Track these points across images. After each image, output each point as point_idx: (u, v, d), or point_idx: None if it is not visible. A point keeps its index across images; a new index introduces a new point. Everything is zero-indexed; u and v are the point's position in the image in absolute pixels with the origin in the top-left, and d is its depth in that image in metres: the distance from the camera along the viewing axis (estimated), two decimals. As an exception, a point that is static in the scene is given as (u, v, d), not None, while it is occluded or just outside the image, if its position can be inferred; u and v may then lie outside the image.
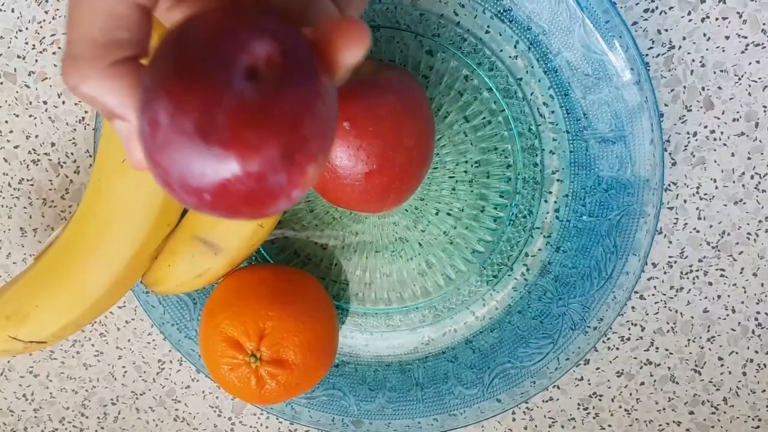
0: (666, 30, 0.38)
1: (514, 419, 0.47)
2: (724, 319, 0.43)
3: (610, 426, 0.46)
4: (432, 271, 0.43)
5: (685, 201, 0.41)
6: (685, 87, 0.39)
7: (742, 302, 0.43)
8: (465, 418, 0.43)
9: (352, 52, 0.20)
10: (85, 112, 0.43)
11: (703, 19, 0.38)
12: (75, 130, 0.43)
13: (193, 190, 0.18)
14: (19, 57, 0.42)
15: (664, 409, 0.45)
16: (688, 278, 0.42)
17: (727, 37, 0.38)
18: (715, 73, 0.39)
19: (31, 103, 0.43)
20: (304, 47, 0.19)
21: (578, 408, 0.46)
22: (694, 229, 0.42)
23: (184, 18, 0.20)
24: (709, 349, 0.44)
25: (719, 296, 0.43)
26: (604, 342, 0.44)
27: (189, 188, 0.18)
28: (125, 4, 0.20)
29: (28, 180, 0.45)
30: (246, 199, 0.18)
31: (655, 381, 0.45)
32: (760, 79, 0.39)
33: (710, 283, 0.42)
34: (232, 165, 0.18)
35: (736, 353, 0.44)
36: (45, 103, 0.43)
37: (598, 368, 0.45)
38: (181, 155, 0.18)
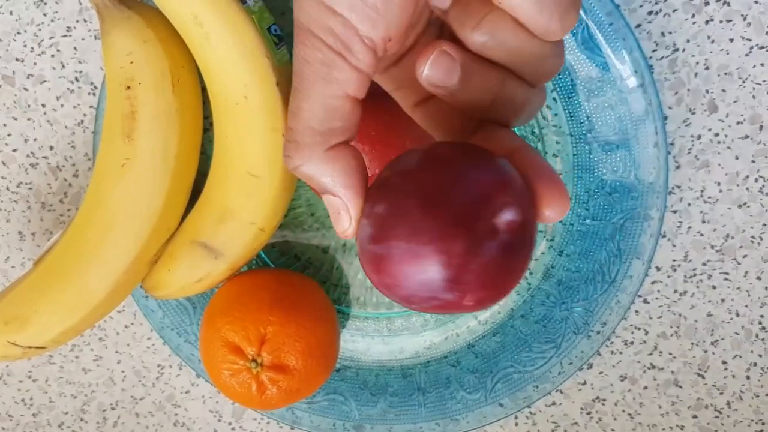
0: (670, 32, 0.38)
1: (516, 424, 0.47)
2: (728, 322, 0.43)
3: (613, 430, 0.46)
4: (434, 275, 0.42)
5: (689, 204, 0.41)
6: (689, 90, 0.39)
7: (746, 306, 0.42)
8: (467, 423, 0.43)
9: (555, 215, 0.23)
10: (84, 115, 0.43)
11: (707, 22, 0.38)
12: (74, 133, 0.43)
13: (410, 300, 0.23)
14: (17, 60, 0.42)
15: (667, 413, 0.45)
16: (691, 282, 0.42)
17: (732, 40, 0.38)
18: (719, 75, 0.38)
19: (29, 106, 0.43)
20: (532, 216, 0.23)
21: (581, 412, 0.46)
22: (698, 232, 0.41)
23: (435, 160, 0.23)
24: (713, 353, 0.44)
25: (723, 300, 0.42)
26: (607, 346, 0.44)
27: (409, 299, 0.23)
28: (340, 97, 0.23)
29: (26, 183, 0.45)
30: (446, 312, 0.24)
31: (658, 385, 0.45)
32: (764, 81, 0.38)
33: (714, 287, 0.42)
34: (460, 304, 0.23)
35: (740, 357, 0.43)
36: (43, 106, 0.43)
37: (601, 372, 0.45)
38: (421, 286, 0.22)
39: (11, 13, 0.41)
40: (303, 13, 0.23)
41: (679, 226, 0.41)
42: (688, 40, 0.38)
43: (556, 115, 0.38)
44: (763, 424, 0.45)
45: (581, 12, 0.35)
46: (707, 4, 0.37)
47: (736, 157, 0.40)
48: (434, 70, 0.23)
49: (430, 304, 0.23)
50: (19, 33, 0.41)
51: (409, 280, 0.22)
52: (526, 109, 0.25)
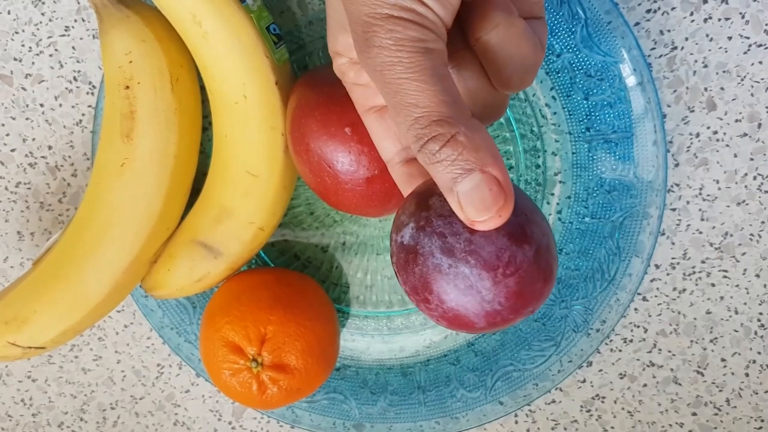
0: (668, 31, 0.38)
1: (516, 422, 0.47)
2: (727, 320, 0.43)
3: (612, 428, 0.46)
4: (433, 274, 0.42)
5: (687, 202, 0.41)
6: (687, 88, 0.39)
7: (745, 303, 0.42)
8: (467, 421, 0.43)
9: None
10: (83, 114, 0.43)
11: (705, 20, 0.38)
12: (72, 132, 0.43)
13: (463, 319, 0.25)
14: (15, 59, 0.42)
15: (666, 410, 0.45)
16: (690, 279, 0.42)
17: (730, 38, 0.38)
18: (717, 73, 0.39)
19: (27, 105, 0.43)
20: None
21: (581, 410, 0.46)
22: (697, 230, 0.41)
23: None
24: (712, 351, 0.44)
25: (722, 297, 0.42)
26: (606, 344, 0.44)
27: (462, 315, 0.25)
28: (444, 65, 0.23)
29: (25, 183, 0.45)
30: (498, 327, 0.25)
31: (657, 383, 0.45)
32: (762, 79, 0.38)
33: (713, 285, 0.42)
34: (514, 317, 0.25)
35: (739, 354, 0.44)
36: (42, 105, 0.43)
37: (600, 370, 0.45)
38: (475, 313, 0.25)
39: (9, 12, 0.41)
40: (365, 6, 0.22)
41: (678, 224, 0.41)
42: (686, 38, 0.38)
43: (555, 113, 0.38)
44: (762, 421, 0.45)
45: (579, 9, 0.36)
46: (705, 2, 0.37)
47: (735, 155, 0.40)
48: None
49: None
50: (17, 32, 0.41)
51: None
52: None
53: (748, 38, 0.38)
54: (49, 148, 0.44)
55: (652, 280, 0.43)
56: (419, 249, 0.24)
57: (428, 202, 0.25)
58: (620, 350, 0.44)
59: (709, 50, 0.38)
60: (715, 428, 0.45)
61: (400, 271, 0.25)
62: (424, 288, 0.25)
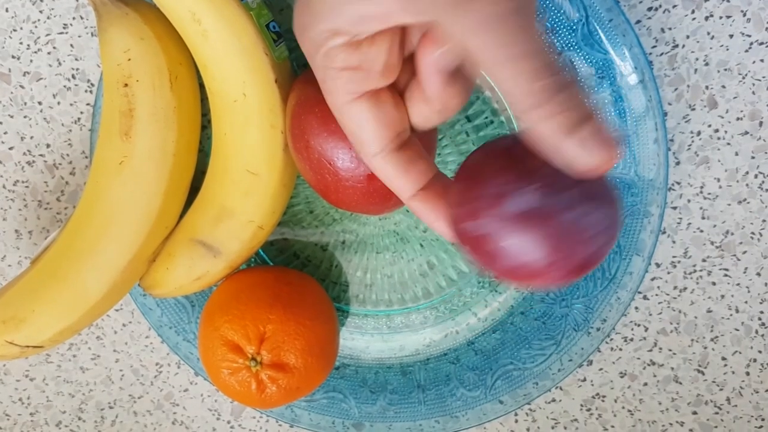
0: (670, 28, 0.38)
1: (516, 421, 0.47)
2: (728, 318, 0.43)
3: (613, 427, 0.46)
4: (433, 272, 0.42)
5: (688, 200, 0.41)
6: (688, 86, 0.39)
7: (746, 302, 0.42)
8: (467, 420, 0.43)
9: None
10: (81, 112, 0.42)
11: (707, 18, 0.38)
12: (70, 131, 0.43)
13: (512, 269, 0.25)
14: (13, 57, 0.41)
15: (667, 409, 0.45)
16: (691, 278, 0.42)
17: (731, 36, 0.38)
18: (718, 71, 0.38)
19: (26, 103, 0.42)
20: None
21: (581, 409, 0.46)
22: (698, 228, 0.41)
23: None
24: (713, 349, 0.44)
25: (723, 296, 0.42)
26: (607, 343, 0.44)
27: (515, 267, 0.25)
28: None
29: (23, 182, 0.44)
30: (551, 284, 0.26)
31: (658, 381, 0.45)
32: (764, 77, 0.38)
33: (714, 283, 0.42)
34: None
35: (740, 353, 0.43)
36: (40, 103, 0.42)
37: (601, 369, 0.45)
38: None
39: (7, 10, 0.40)
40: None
41: (678, 223, 0.41)
42: (687, 36, 0.38)
43: (555, 111, 0.38)
44: (763, 420, 0.45)
45: (581, 6, 0.35)
46: (707, 0, 0.37)
47: (736, 153, 0.40)
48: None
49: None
50: (15, 30, 0.41)
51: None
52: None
53: (749, 36, 0.38)
54: (48, 146, 0.43)
55: (652, 279, 0.43)
56: (548, 210, 0.24)
57: (525, 165, 0.25)
58: (621, 349, 0.44)
59: (711, 48, 0.38)
60: (716, 427, 0.45)
61: (528, 235, 0.25)
62: (562, 246, 0.24)
